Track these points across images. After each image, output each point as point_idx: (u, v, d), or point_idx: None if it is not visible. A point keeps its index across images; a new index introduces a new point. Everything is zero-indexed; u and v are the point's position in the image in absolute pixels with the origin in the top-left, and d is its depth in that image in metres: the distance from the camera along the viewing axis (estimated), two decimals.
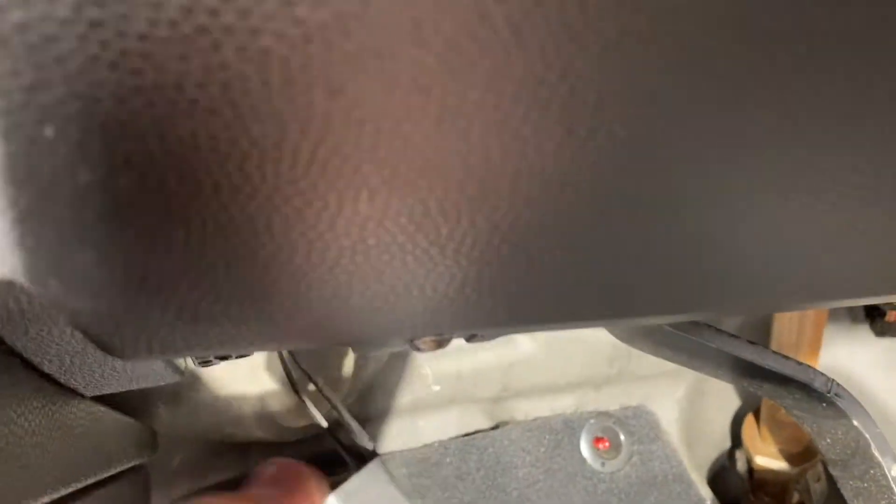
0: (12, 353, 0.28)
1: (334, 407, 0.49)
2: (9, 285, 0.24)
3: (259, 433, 0.55)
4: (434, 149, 0.17)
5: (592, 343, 0.67)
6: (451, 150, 0.17)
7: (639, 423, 0.70)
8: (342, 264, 0.20)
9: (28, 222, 0.17)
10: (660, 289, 0.23)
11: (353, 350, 0.27)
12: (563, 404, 0.69)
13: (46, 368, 0.30)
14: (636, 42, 0.15)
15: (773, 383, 0.48)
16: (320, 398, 0.52)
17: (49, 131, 0.15)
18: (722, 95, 0.16)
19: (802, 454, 0.71)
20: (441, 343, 0.26)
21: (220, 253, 0.19)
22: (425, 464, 0.63)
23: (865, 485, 0.50)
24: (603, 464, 0.67)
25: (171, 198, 0.17)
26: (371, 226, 0.19)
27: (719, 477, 0.78)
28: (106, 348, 0.22)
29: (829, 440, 0.51)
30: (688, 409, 0.74)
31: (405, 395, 0.64)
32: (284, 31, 0.14)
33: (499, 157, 0.17)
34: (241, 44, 0.14)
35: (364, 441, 0.51)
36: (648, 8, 0.14)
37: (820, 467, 0.70)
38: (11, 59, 0.13)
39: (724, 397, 0.78)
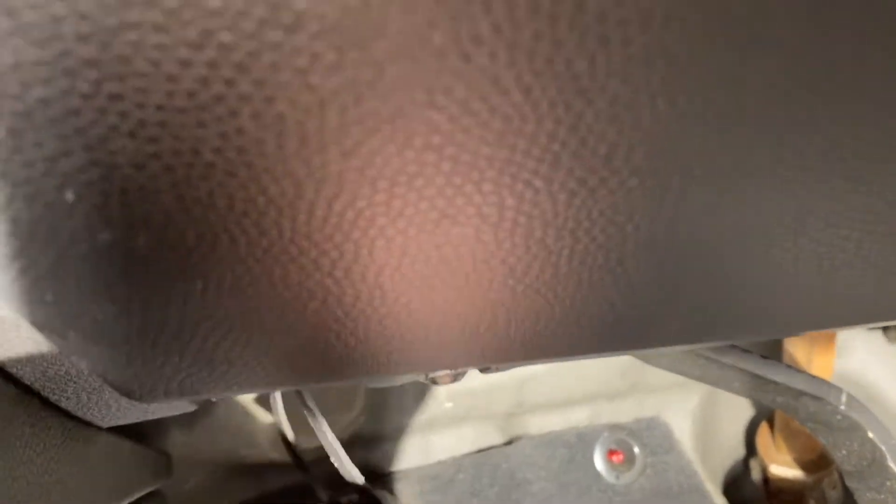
0: (30, 390, 0.29)
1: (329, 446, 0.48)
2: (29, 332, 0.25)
3: (274, 455, 0.56)
4: (447, 200, 0.17)
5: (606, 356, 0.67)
6: (465, 201, 0.17)
7: (652, 434, 0.70)
8: (358, 309, 0.20)
9: (48, 280, 0.17)
10: (684, 321, 0.23)
11: (366, 384, 0.28)
12: (577, 417, 0.69)
13: (64, 405, 0.31)
14: (645, 96, 0.15)
15: (786, 397, 0.48)
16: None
17: (69, 196, 0.15)
18: (733, 147, 0.16)
19: (817, 462, 0.71)
20: (456, 377, 0.26)
21: (237, 301, 0.19)
22: (438, 481, 0.63)
23: (882, 496, 0.50)
24: (617, 476, 0.67)
25: (189, 253, 0.17)
26: (387, 272, 0.19)
27: (734, 486, 0.77)
28: (124, 392, 0.23)
29: (844, 452, 0.51)
30: (701, 419, 0.74)
31: (419, 413, 0.64)
32: (299, 99, 0.14)
33: (512, 206, 0.17)
34: (257, 111, 0.14)
35: (354, 476, 0.50)
36: (658, 64, 0.14)
37: (836, 475, 0.69)
38: (34, 131, 0.14)
39: (737, 406, 0.78)
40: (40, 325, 0.19)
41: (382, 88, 0.14)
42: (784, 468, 0.72)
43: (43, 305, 0.18)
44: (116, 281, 0.18)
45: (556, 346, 0.24)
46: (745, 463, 0.78)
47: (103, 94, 0.13)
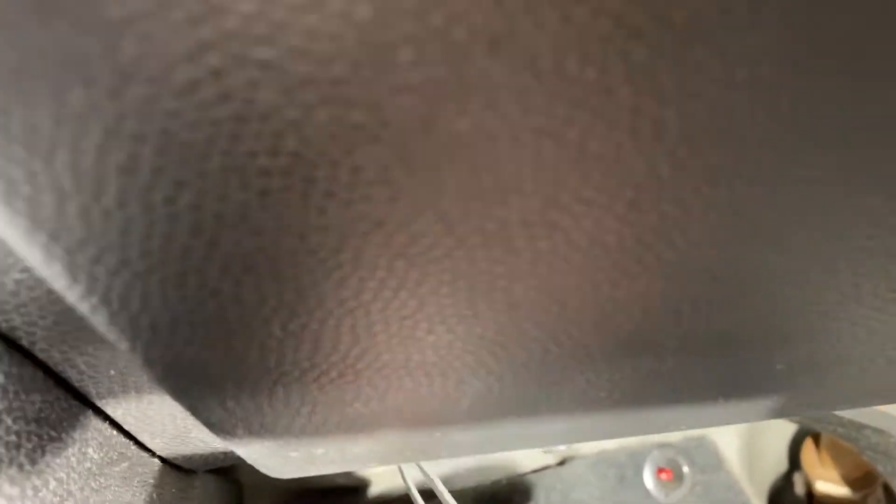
0: (153, 454, 0.31)
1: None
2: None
3: (340, 480, 0.57)
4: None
5: None
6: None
7: (701, 453, 0.71)
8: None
9: (233, 390, 0.18)
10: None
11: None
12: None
13: (178, 462, 0.32)
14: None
15: (848, 428, 0.49)
16: None
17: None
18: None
19: (863, 479, 0.72)
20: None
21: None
22: (494, 501, 0.64)
23: None
24: (667, 494, 0.69)
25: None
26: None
27: (778, 500, 0.78)
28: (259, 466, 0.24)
29: None
30: (747, 434, 0.75)
31: None
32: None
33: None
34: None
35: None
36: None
37: (880, 491, 0.70)
38: None
39: (781, 421, 0.78)
40: (215, 429, 0.20)
41: None
42: (830, 484, 0.73)
43: (223, 412, 0.19)
44: (292, 392, 0.19)
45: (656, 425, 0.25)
46: (788, 477, 0.79)
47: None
